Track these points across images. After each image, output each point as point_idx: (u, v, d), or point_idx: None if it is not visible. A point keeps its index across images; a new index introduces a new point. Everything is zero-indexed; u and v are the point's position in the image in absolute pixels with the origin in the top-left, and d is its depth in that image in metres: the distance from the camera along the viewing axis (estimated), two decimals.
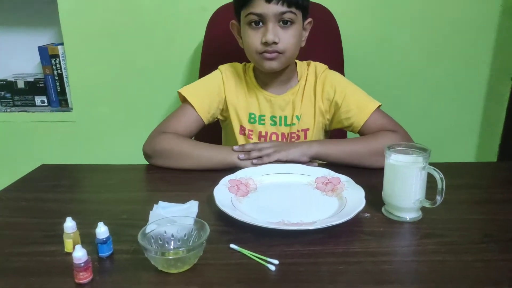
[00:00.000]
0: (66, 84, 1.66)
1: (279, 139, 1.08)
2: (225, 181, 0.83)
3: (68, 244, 0.62)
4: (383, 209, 0.75)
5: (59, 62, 1.63)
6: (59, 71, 1.64)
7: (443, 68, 1.58)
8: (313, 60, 1.13)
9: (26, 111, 1.66)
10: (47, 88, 1.67)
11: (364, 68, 1.55)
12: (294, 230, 0.66)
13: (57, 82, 1.66)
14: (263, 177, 0.87)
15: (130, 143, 1.65)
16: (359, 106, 1.03)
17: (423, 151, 0.72)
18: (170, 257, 0.58)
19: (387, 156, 0.72)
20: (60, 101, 1.69)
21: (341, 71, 1.36)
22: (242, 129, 1.08)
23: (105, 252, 0.61)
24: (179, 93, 1.05)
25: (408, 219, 0.72)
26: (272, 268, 0.58)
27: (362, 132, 1.04)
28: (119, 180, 0.92)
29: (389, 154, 0.72)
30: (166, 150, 0.95)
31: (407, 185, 0.70)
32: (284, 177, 0.88)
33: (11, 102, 1.70)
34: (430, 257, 0.61)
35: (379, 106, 1.03)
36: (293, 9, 0.94)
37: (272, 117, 1.07)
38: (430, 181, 0.70)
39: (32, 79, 1.68)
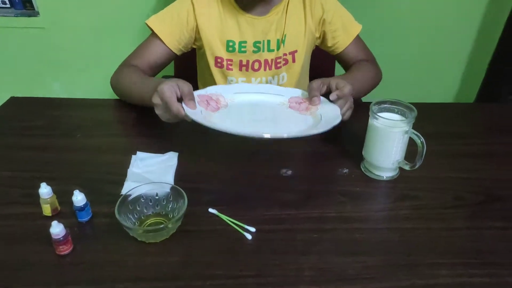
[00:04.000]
0: None
1: (262, 67, 1.02)
2: (194, 96, 0.77)
3: (46, 209, 0.62)
4: (361, 165, 0.76)
5: None
6: None
7: None
8: None
9: None
10: None
11: None
12: (273, 138, 0.63)
13: None
14: (234, 96, 0.83)
15: (107, 52, 1.56)
16: (345, 27, 1.02)
17: (408, 111, 0.70)
18: (149, 229, 0.59)
19: (371, 115, 0.70)
20: (24, 2, 1.52)
21: None
22: (218, 60, 1.00)
23: (84, 218, 0.62)
24: (147, 24, 0.95)
25: (385, 177, 0.73)
26: (249, 237, 0.60)
27: (342, 55, 1.04)
28: (96, 121, 0.89)
29: (373, 114, 0.69)
30: (121, 83, 0.90)
31: (388, 147, 0.70)
32: (256, 96, 0.84)
33: None
34: (401, 224, 0.64)
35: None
36: None
37: (256, 43, 0.99)
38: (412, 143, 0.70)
39: None
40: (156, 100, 0.73)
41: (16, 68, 1.59)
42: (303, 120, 0.76)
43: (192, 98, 0.72)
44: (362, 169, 0.75)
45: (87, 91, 1.68)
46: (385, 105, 0.72)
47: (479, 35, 1.58)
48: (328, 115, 0.74)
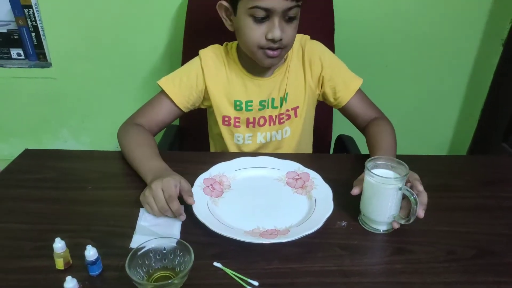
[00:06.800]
0: (42, 38, 1.58)
1: (267, 123, 1.08)
2: (200, 181, 0.86)
3: (59, 263, 0.65)
4: (359, 218, 0.79)
5: (33, 13, 1.53)
6: (34, 23, 1.55)
7: (434, 31, 1.55)
8: (303, 27, 1.08)
9: (2, 65, 1.59)
10: (22, 41, 1.59)
11: (355, 36, 1.51)
12: (270, 243, 0.70)
13: (33, 34, 1.57)
14: (236, 173, 0.91)
15: (111, 102, 1.63)
16: (345, 82, 1.06)
17: (401, 167, 0.74)
18: (157, 284, 0.62)
19: (366, 172, 0.75)
20: (38, 54, 1.62)
21: (331, 38, 1.33)
22: (225, 119, 1.06)
23: (95, 272, 0.65)
24: (158, 84, 1.01)
25: (381, 231, 0.76)
26: None
27: (346, 109, 1.07)
28: (104, 173, 0.93)
29: (368, 171, 0.74)
30: (124, 145, 0.95)
31: (383, 202, 0.74)
32: (256, 172, 0.92)
33: None
34: (397, 279, 0.66)
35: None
36: (299, 2, 0.91)
37: (261, 102, 1.06)
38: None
39: (5, 30, 1.58)
40: (157, 188, 0.76)
41: (27, 115, 1.67)
42: (298, 204, 0.83)
43: (191, 195, 0.78)
44: (360, 222, 0.78)
45: (93, 137, 1.74)
46: (380, 162, 0.77)
47: (470, 82, 1.65)
48: (321, 199, 0.82)
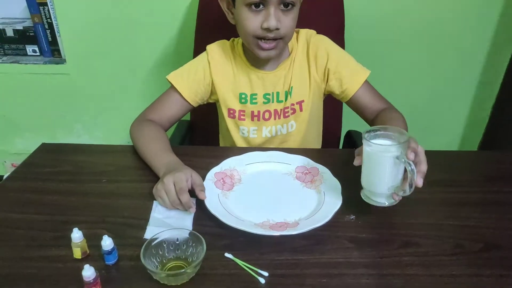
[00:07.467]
0: (57, 34, 1.61)
1: (272, 116, 1.09)
2: (211, 175, 0.88)
3: (76, 252, 0.68)
4: (361, 193, 0.79)
5: (48, 11, 1.56)
6: (49, 20, 1.58)
7: (445, 28, 1.54)
8: (313, 24, 1.11)
9: (18, 61, 1.63)
10: (37, 38, 1.62)
11: (365, 32, 1.51)
12: (279, 235, 0.72)
13: (48, 31, 1.61)
14: (246, 167, 0.92)
15: (128, 98, 1.66)
16: (351, 74, 1.05)
17: (400, 136, 0.73)
18: (170, 273, 0.64)
19: (364, 141, 0.73)
20: (53, 51, 1.65)
21: (341, 35, 1.34)
22: (231, 112, 1.08)
23: (111, 261, 0.67)
24: (168, 79, 1.04)
25: (387, 204, 0.75)
26: (262, 281, 0.65)
27: (353, 101, 1.06)
28: (118, 166, 0.95)
29: (365, 140, 0.72)
30: (137, 140, 0.97)
31: (382, 172, 0.73)
32: (266, 166, 0.93)
33: (2, 51, 1.66)
34: (404, 271, 0.68)
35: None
36: None
37: (265, 95, 1.07)
38: None
39: (21, 27, 1.62)
40: (168, 182, 0.77)
41: (42, 110, 1.70)
42: (307, 198, 0.84)
43: (203, 189, 0.79)
44: (363, 198, 0.78)
45: (106, 132, 1.77)
46: (379, 132, 0.75)
47: (481, 78, 1.64)
48: (330, 192, 0.83)
